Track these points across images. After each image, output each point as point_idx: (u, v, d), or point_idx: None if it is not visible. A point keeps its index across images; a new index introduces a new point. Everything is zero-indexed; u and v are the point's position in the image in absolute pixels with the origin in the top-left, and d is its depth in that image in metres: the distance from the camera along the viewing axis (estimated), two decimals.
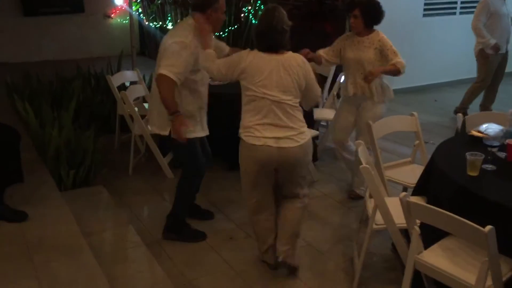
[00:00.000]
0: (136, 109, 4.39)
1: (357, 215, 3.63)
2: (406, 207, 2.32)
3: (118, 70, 5.76)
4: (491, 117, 3.38)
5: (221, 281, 2.93)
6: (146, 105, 4.84)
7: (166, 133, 3.07)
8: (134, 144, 4.46)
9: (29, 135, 4.28)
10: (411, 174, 3.34)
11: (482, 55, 5.59)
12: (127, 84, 5.12)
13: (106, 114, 5.25)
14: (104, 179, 4.05)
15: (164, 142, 4.57)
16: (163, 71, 2.86)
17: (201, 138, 3.27)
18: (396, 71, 3.54)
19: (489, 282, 2.16)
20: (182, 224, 3.36)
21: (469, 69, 5.82)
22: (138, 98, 4.89)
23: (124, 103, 4.34)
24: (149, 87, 5.46)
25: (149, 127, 3.25)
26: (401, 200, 2.32)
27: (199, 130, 3.20)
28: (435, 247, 2.45)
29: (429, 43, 7.27)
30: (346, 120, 3.90)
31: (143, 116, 4.55)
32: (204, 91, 3.18)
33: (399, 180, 3.34)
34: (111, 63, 5.94)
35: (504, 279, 2.20)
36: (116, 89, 4.55)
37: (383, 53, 3.60)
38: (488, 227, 1.99)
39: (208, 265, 3.09)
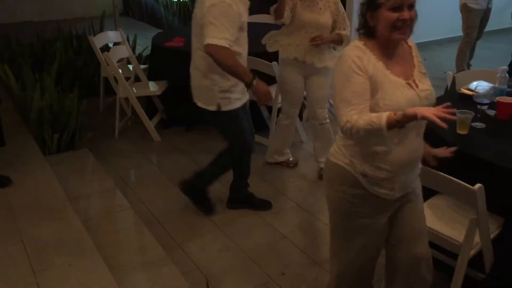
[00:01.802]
0: (120, 70, 4.28)
1: None
2: None
3: (101, 30, 5.59)
4: (481, 74, 3.34)
5: (212, 244, 2.93)
6: (130, 66, 4.74)
7: (213, 108, 2.77)
8: (120, 107, 4.37)
9: (10, 99, 4.17)
10: None
11: (465, 9, 5.53)
12: (111, 45, 4.98)
13: (90, 76, 5.13)
14: (89, 143, 3.98)
15: (153, 104, 4.53)
16: (217, 41, 2.51)
17: (244, 110, 2.98)
18: (339, 42, 3.29)
19: (477, 239, 2.18)
20: (202, 190, 3.16)
21: (458, 27, 5.74)
22: (122, 59, 4.77)
23: (108, 65, 4.22)
24: (133, 48, 5.36)
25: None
26: None
27: (244, 94, 2.89)
28: (424, 206, 2.44)
29: (418, 1, 7.13)
30: (297, 89, 3.46)
31: (127, 78, 4.46)
32: (245, 55, 2.83)
33: None
34: (93, 23, 5.76)
35: (492, 236, 2.22)
36: (99, 50, 4.42)
37: (335, 18, 3.26)
38: (478, 185, 1.98)
39: (199, 228, 3.08)
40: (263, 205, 3.26)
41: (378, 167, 1.84)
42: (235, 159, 3.07)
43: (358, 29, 1.87)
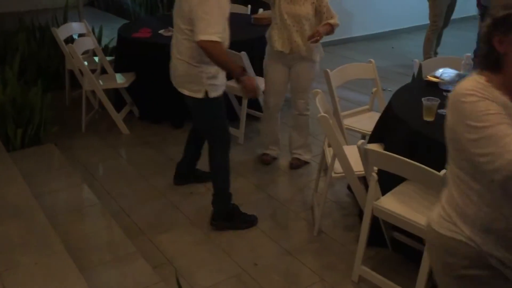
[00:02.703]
0: (85, 63, 4.18)
1: (317, 165, 3.63)
2: (364, 154, 2.32)
3: (65, 22, 5.43)
4: (447, 62, 3.39)
5: (183, 237, 2.90)
6: (96, 58, 4.62)
7: (201, 95, 2.75)
8: (86, 100, 4.26)
9: None
10: (369, 121, 3.33)
11: None
12: (76, 37, 4.85)
13: (54, 69, 4.98)
14: (55, 138, 3.86)
15: (121, 96, 4.44)
16: (210, 37, 2.50)
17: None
18: (330, 32, 3.28)
19: None
20: (232, 209, 3.00)
21: (426, 15, 5.81)
22: (87, 51, 4.65)
23: (72, 57, 4.11)
24: (99, 40, 5.23)
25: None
26: (358, 147, 2.31)
27: (223, 84, 2.88)
28: (392, 192, 2.48)
29: None
30: (281, 81, 3.49)
31: (93, 71, 4.35)
32: (227, 45, 2.79)
33: (357, 128, 3.34)
34: (56, 15, 5.59)
35: None
36: (63, 42, 4.29)
37: (318, 8, 3.25)
38: (444, 171, 2.01)
39: (168, 222, 3.04)
40: (207, 178, 3.21)
41: None
42: (226, 150, 2.94)
43: (479, 62, 1.43)
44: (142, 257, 2.54)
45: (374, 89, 3.52)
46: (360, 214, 2.73)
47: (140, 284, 2.32)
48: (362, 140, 2.32)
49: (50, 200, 2.96)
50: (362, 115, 3.53)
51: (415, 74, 3.44)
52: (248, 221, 2.99)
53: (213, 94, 2.76)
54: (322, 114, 2.59)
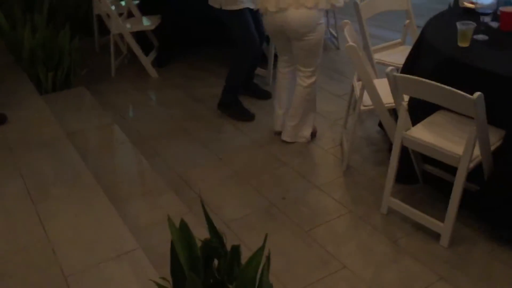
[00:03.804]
0: (113, 7, 4.15)
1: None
2: (393, 81, 2.23)
3: None
4: None
5: (212, 173, 2.92)
6: (123, 2, 4.58)
7: (217, 5, 3.18)
8: (114, 44, 4.26)
9: (2, 40, 4.08)
10: (401, 55, 3.18)
11: None
12: None
13: (83, 15, 4.98)
14: (86, 82, 3.91)
15: (149, 41, 4.43)
16: None
17: (253, 15, 3.28)
18: None
19: (477, 152, 2.14)
20: (233, 100, 3.46)
21: None
22: None
23: (99, 1, 4.08)
24: None
25: None
26: (387, 74, 2.23)
27: (249, 1, 3.20)
28: (423, 123, 2.40)
29: None
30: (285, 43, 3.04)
31: (121, 14, 4.33)
32: None
33: (389, 61, 3.21)
34: None
35: (492, 148, 2.17)
36: None
37: None
38: (477, 94, 1.92)
39: (198, 159, 3.07)
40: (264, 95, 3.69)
41: None
42: (247, 56, 3.35)
43: None
44: (172, 191, 2.58)
45: (407, 21, 3.35)
46: (390, 149, 2.65)
47: (169, 214, 2.36)
48: (392, 67, 2.23)
49: (82, 139, 3.02)
50: (393, 49, 3.40)
51: (451, 3, 3.25)
52: (245, 115, 3.44)
53: (227, 7, 3.14)
54: (350, 43, 2.50)
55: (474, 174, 2.22)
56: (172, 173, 2.92)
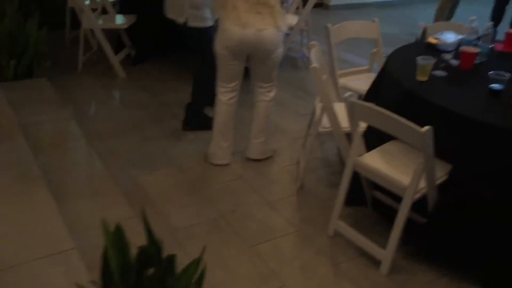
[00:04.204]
0: (87, 1, 4.10)
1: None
2: (350, 107, 2.27)
3: None
4: (452, 26, 3.28)
5: (166, 179, 2.89)
6: None
7: (182, 20, 3.09)
8: (85, 39, 4.21)
9: None
10: (366, 82, 3.24)
11: None
12: None
13: (58, 6, 4.90)
14: (50, 74, 3.82)
15: (122, 39, 4.38)
16: None
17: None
18: None
19: (423, 184, 2.18)
20: (203, 115, 3.43)
21: None
22: None
23: None
24: None
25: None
26: (345, 100, 2.26)
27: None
28: (376, 150, 2.44)
29: None
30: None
31: (95, 10, 4.28)
32: None
33: (353, 87, 3.27)
34: None
35: (438, 182, 2.22)
36: None
37: None
38: (426, 128, 1.96)
39: (154, 164, 3.03)
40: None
41: None
42: (214, 76, 3.00)
43: None
44: (121, 193, 2.54)
45: (375, 50, 3.42)
46: None
47: (114, 216, 2.32)
48: (350, 93, 2.27)
49: (35, 131, 2.94)
50: (360, 75, 3.45)
51: (419, 36, 3.34)
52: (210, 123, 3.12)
53: (192, 23, 3.06)
54: (314, 65, 2.53)
55: (423, 205, 2.27)
56: (125, 175, 2.87)
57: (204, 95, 3.37)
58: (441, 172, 2.25)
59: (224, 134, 3.02)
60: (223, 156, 3.06)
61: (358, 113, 2.27)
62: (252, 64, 2.95)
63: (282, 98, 4.04)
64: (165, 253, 1.60)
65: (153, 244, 1.63)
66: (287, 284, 2.20)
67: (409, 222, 2.32)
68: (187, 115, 3.41)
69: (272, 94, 3.03)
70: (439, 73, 2.55)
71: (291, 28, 4.65)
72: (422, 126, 1.99)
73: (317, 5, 6.60)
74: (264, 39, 2.73)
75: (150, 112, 3.63)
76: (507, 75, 2.31)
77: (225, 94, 2.95)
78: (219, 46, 2.79)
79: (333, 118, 2.56)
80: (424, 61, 2.43)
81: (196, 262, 1.52)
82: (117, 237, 1.51)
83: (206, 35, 3.09)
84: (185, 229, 2.49)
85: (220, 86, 2.95)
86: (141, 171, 2.93)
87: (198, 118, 3.42)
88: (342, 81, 3.30)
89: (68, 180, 2.58)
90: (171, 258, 1.59)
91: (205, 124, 3.29)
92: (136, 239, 1.55)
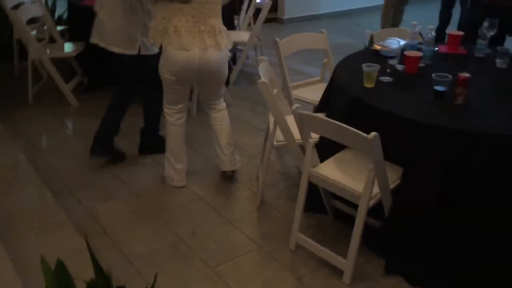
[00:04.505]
0: (34, 31, 4.02)
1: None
2: (299, 119, 2.27)
3: None
4: (398, 32, 3.35)
5: (123, 207, 2.82)
6: (59, 27, 4.46)
7: (135, 51, 2.94)
8: (34, 70, 4.11)
9: None
10: (319, 92, 3.26)
11: None
12: None
13: (5, 40, 4.79)
14: (0, 110, 3.73)
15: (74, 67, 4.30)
16: None
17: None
18: None
19: (377, 190, 2.19)
20: (158, 138, 3.37)
21: None
22: (38, 19, 4.47)
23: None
24: (53, 9, 5.04)
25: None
26: (293, 112, 2.26)
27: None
28: (330, 160, 2.44)
29: None
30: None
31: (43, 40, 4.19)
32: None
33: (306, 98, 3.28)
34: None
35: (392, 186, 2.23)
36: (10, 9, 4.11)
37: None
38: (372, 134, 1.97)
39: (110, 191, 2.96)
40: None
41: None
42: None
43: None
44: (72, 225, 2.46)
45: (325, 60, 3.46)
46: None
47: (66, 251, 2.24)
48: (297, 105, 2.27)
49: None
50: (312, 86, 3.47)
51: (366, 44, 3.39)
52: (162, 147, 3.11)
53: (144, 52, 2.99)
54: (262, 80, 2.52)
55: (380, 210, 2.28)
56: (79, 207, 2.79)
57: (158, 118, 3.32)
58: (394, 176, 2.26)
59: (176, 156, 2.98)
60: (178, 178, 3.01)
61: (307, 124, 2.27)
62: (200, 87, 2.94)
63: (240, 114, 4.05)
64: (124, 283, 1.55)
65: (102, 277, 1.57)
66: None
67: (371, 228, 2.33)
68: (142, 139, 3.37)
69: (224, 104, 3.05)
70: (386, 78, 2.59)
71: (243, 44, 4.68)
72: (371, 132, 2.01)
73: (272, 20, 6.68)
74: (209, 60, 2.71)
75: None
76: (450, 76, 2.36)
77: (173, 115, 2.93)
78: (164, 71, 2.76)
79: (286, 131, 2.55)
80: (369, 68, 2.47)
81: None
82: (60, 274, 1.44)
83: (153, 61, 2.96)
84: (144, 256, 2.43)
85: (167, 108, 2.93)
86: (96, 201, 2.86)
87: (153, 142, 3.37)
88: (296, 93, 3.32)
89: (17, 216, 2.49)
90: None
91: (162, 146, 3.23)
92: (89, 273, 1.49)
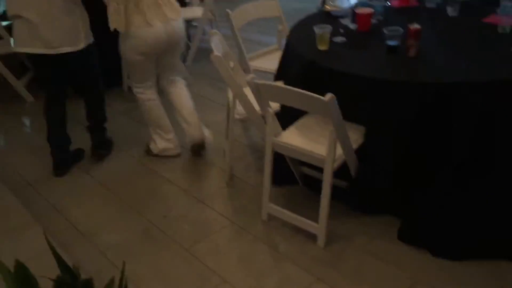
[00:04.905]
0: None
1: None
2: (255, 89, 2.23)
3: None
4: None
5: (90, 199, 2.77)
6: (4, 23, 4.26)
7: (81, 46, 2.74)
8: None
9: None
10: (278, 61, 3.24)
11: None
12: None
13: None
14: None
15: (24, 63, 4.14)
16: None
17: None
18: None
19: (341, 151, 2.19)
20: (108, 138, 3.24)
21: None
22: None
23: None
24: None
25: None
26: (248, 82, 2.22)
27: None
28: (292, 127, 2.42)
29: None
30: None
31: None
32: None
33: (265, 68, 3.24)
34: None
35: (355, 146, 2.23)
36: None
37: None
38: (328, 95, 1.95)
39: (75, 186, 2.89)
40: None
41: None
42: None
43: None
44: (39, 224, 2.40)
45: (280, 27, 3.41)
46: None
47: (34, 251, 2.19)
48: (252, 75, 2.23)
49: None
50: (270, 55, 3.43)
51: (319, 6, 3.35)
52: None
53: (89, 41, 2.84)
54: (215, 53, 2.47)
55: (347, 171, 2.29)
56: (44, 204, 2.72)
57: (103, 111, 3.11)
58: (356, 136, 2.27)
59: (163, 127, 3.02)
60: (173, 146, 3.07)
61: (264, 94, 2.24)
62: (162, 59, 2.91)
63: (202, 91, 3.98)
64: (99, 275, 1.52)
65: (67, 273, 1.53)
66: (228, 279, 2.15)
67: (338, 191, 2.34)
68: (102, 140, 3.18)
69: (183, 80, 3.08)
70: (339, 39, 2.56)
71: (198, 20, 4.57)
72: (327, 94, 1.99)
73: None
74: (174, 32, 2.77)
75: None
76: (400, 29, 2.35)
77: (145, 92, 2.95)
78: (131, 53, 2.74)
79: (245, 103, 2.52)
80: (321, 30, 2.43)
81: (111, 283, 1.44)
82: (20, 275, 1.40)
83: (94, 51, 2.88)
84: (116, 246, 2.39)
85: (137, 87, 2.94)
86: (61, 196, 2.79)
87: (106, 141, 3.22)
88: (254, 64, 3.27)
89: None
90: (87, 283, 1.50)
91: (111, 146, 3.22)
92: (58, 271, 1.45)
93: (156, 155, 3.10)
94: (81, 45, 2.74)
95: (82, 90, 3.03)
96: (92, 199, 2.77)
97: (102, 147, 3.14)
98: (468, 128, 2.03)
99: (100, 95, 3.06)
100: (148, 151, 3.14)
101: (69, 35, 2.68)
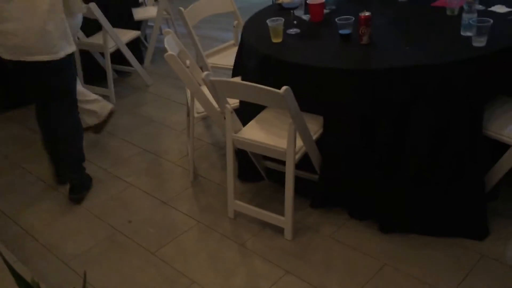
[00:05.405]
0: None
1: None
2: (211, 85, 2.21)
3: None
4: None
5: (49, 209, 2.69)
6: None
7: (61, 55, 2.44)
8: None
9: None
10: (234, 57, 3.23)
11: None
12: None
13: None
14: None
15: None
16: None
17: None
18: None
19: (301, 143, 2.19)
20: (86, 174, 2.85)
21: None
22: None
23: None
24: None
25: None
26: (203, 80, 2.19)
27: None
28: (251, 123, 2.41)
29: None
30: None
31: None
32: None
33: (223, 64, 3.22)
34: None
35: (315, 137, 2.24)
36: None
37: None
38: (283, 88, 1.94)
39: (29, 194, 2.81)
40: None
41: None
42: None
43: None
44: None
45: (235, 23, 3.39)
46: (235, 151, 2.65)
47: None
48: (207, 72, 2.20)
49: None
50: (227, 51, 3.40)
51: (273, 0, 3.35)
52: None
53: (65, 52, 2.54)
54: (169, 53, 2.43)
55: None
56: (4, 218, 2.63)
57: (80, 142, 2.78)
58: (315, 127, 2.27)
59: (84, 93, 2.99)
60: (105, 103, 3.09)
61: (220, 91, 2.21)
62: None
63: (162, 92, 3.93)
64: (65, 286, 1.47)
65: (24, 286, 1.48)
66: (197, 280, 2.13)
67: (303, 183, 2.34)
68: (80, 180, 2.79)
69: None
70: (293, 30, 2.56)
71: (153, 20, 4.50)
72: (282, 87, 1.98)
73: None
74: None
75: (19, 141, 3.36)
76: (352, 17, 2.36)
77: None
78: None
79: (204, 101, 2.49)
80: (274, 23, 2.42)
81: None
82: None
83: (71, 64, 2.62)
84: (80, 255, 2.33)
85: None
86: (18, 207, 2.71)
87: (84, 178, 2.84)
88: (212, 61, 3.24)
89: None
90: None
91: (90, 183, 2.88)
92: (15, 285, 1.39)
93: (104, 121, 3.12)
94: None
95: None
96: (50, 208, 2.69)
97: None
98: (424, 112, 2.05)
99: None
100: (94, 128, 3.14)
101: None
